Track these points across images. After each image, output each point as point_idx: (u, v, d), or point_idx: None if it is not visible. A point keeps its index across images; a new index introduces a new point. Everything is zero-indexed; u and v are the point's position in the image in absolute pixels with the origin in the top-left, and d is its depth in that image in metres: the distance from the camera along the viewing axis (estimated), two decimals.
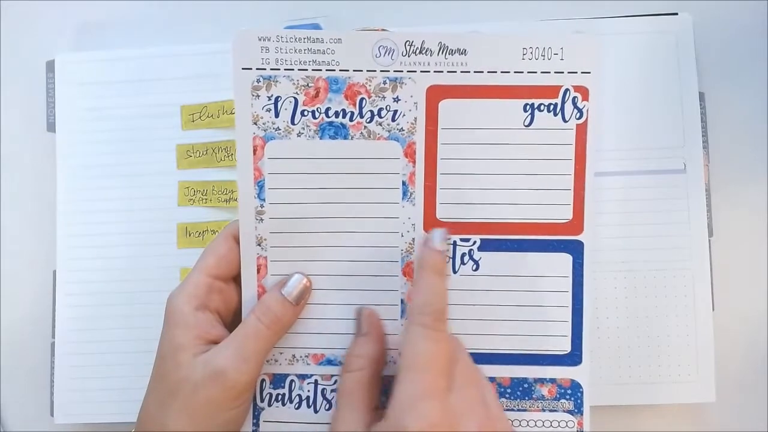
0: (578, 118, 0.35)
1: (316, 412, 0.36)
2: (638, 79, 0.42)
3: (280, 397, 0.36)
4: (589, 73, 0.35)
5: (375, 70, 0.34)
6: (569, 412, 0.36)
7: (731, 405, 0.42)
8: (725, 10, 0.44)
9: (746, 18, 0.44)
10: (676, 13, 0.42)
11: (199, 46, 0.44)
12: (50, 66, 0.45)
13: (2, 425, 0.46)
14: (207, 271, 0.34)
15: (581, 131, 0.35)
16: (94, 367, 0.43)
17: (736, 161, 0.44)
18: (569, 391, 0.36)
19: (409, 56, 0.34)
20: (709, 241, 0.42)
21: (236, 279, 0.36)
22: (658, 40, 0.42)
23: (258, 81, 0.34)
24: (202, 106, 0.44)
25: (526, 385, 0.36)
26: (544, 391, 0.36)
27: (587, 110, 0.35)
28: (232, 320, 0.36)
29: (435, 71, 0.34)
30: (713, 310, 0.41)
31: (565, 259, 0.35)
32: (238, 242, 0.35)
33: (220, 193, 0.44)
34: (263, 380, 0.36)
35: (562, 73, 0.34)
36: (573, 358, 0.36)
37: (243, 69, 0.34)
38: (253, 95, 0.34)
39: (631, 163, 0.42)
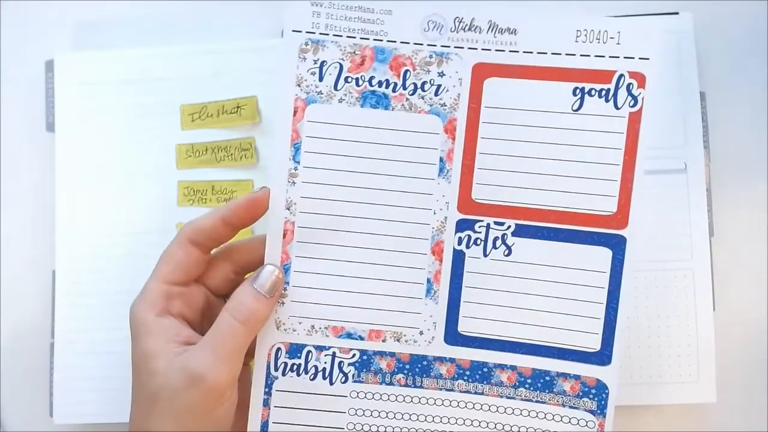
0: (632, 106, 0.33)
1: (331, 384, 0.35)
2: None
3: (295, 367, 0.35)
4: (647, 59, 0.33)
5: (422, 44, 0.34)
6: (591, 411, 0.35)
7: (732, 405, 0.42)
8: (726, 9, 0.44)
9: (747, 18, 0.44)
10: (677, 13, 0.42)
11: (198, 46, 0.44)
12: (49, 66, 0.45)
13: (2, 425, 0.46)
14: (163, 278, 0.34)
15: (634, 120, 0.33)
16: (93, 367, 0.43)
17: (737, 161, 0.44)
18: (593, 391, 0.35)
19: (457, 32, 0.34)
20: (710, 241, 0.42)
21: (197, 281, 0.35)
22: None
23: (306, 44, 0.34)
24: (202, 106, 0.44)
25: (547, 378, 0.35)
26: (566, 386, 0.35)
27: (642, 98, 0.33)
28: (200, 321, 0.35)
29: (483, 49, 0.34)
30: (714, 310, 0.41)
31: (605, 254, 0.34)
32: (196, 246, 0.34)
33: (220, 193, 0.44)
34: (279, 349, 0.35)
35: (618, 57, 0.33)
36: (602, 357, 0.34)
37: (293, 31, 0.34)
38: (300, 57, 0.34)
39: None
